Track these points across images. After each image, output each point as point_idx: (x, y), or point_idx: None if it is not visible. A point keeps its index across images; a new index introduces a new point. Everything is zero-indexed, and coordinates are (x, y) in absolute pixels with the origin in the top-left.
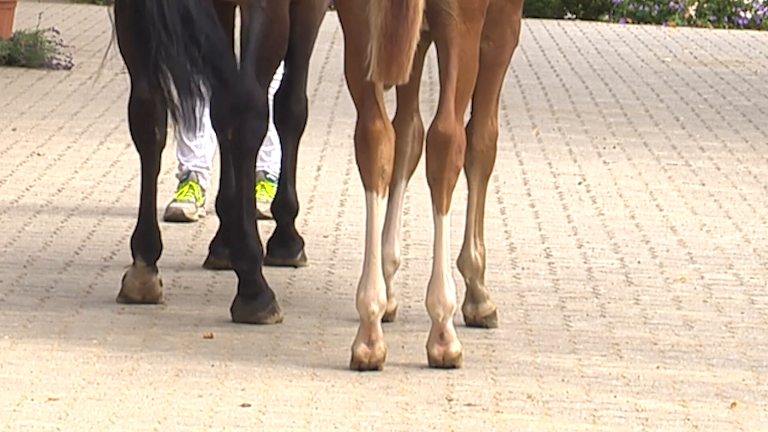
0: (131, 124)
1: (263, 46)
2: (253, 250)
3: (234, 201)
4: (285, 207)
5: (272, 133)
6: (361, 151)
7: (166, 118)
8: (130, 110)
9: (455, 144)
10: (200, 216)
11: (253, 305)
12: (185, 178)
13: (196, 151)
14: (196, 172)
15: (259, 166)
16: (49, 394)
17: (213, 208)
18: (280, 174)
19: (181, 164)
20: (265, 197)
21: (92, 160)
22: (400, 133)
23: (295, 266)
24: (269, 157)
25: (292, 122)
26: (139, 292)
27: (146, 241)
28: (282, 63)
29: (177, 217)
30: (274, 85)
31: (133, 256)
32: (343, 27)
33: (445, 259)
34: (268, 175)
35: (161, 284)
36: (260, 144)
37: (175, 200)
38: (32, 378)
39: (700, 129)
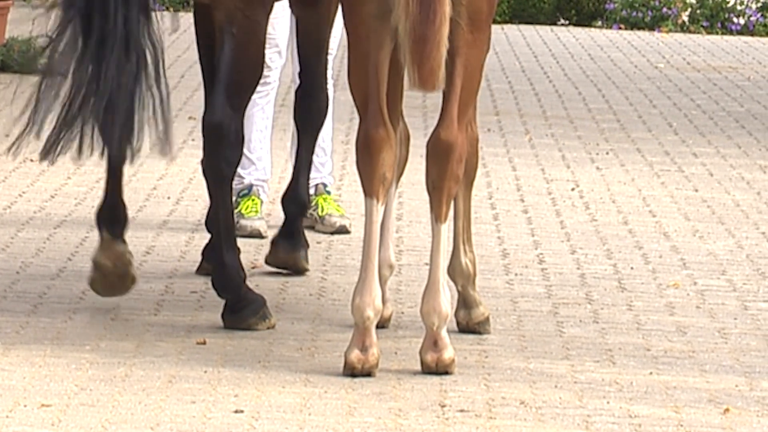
0: None
1: (233, 72)
2: (235, 280)
3: (212, 230)
4: (294, 200)
5: (325, 144)
6: (363, 158)
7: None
8: None
9: (457, 152)
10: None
11: (243, 313)
12: (247, 192)
13: (258, 163)
14: (257, 186)
15: (318, 178)
16: (42, 401)
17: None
18: (294, 167)
19: (241, 178)
20: (326, 211)
21: (85, 166)
22: None
23: (297, 265)
24: (324, 168)
25: (311, 119)
26: (108, 258)
27: (111, 215)
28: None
29: (255, 236)
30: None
31: (99, 230)
32: (349, 33)
33: (442, 268)
34: (327, 188)
35: (131, 255)
36: (234, 171)
37: (244, 217)
38: (25, 384)
39: (693, 135)
